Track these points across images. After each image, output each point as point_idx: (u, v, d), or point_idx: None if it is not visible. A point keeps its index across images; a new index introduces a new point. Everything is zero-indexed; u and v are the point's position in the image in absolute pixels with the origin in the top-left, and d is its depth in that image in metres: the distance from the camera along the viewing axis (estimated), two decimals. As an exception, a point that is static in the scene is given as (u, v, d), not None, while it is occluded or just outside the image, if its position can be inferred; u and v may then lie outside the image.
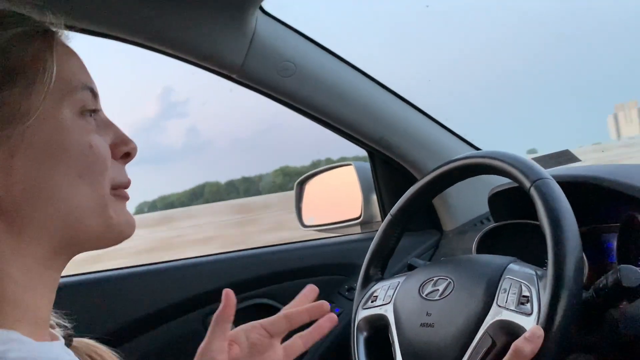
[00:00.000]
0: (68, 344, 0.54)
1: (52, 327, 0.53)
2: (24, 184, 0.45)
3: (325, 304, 0.68)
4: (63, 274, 0.51)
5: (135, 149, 0.53)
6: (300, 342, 0.68)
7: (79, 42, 0.54)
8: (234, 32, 0.98)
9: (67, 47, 0.51)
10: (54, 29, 0.50)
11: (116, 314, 1.07)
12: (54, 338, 0.51)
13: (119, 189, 0.52)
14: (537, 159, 1.16)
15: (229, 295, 0.63)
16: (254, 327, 0.67)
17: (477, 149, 1.32)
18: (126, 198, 0.52)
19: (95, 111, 0.51)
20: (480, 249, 1.07)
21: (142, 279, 1.15)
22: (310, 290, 0.71)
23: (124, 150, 0.53)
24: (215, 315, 0.63)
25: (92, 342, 0.58)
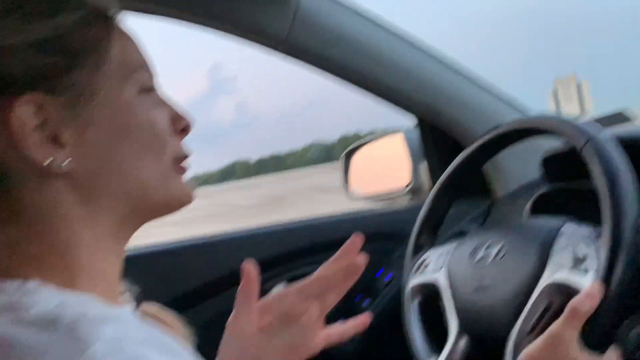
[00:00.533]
0: (135, 309, 0.57)
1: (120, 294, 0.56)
2: (94, 160, 0.48)
3: (359, 262, 0.66)
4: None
5: (191, 124, 0.56)
6: (337, 332, 0.69)
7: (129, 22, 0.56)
8: (278, 5, 0.98)
9: (126, 29, 0.54)
10: (111, 12, 0.52)
11: (174, 284, 1.12)
12: (122, 303, 0.55)
13: (180, 162, 0.54)
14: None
15: (248, 271, 0.64)
16: (286, 294, 0.67)
17: (527, 113, 1.29)
18: (185, 170, 0.55)
19: (153, 90, 0.54)
20: (533, 214, 1.06)
21: (199, 251, 1.20)
22: (353, 242, 0.68)
23: (181, 126, 0.55)
24: (238, 292, 0.64)
25: (156, 308, 0.61)
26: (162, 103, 0.54)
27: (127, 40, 0.53)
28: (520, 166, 1.31)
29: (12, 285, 0.44)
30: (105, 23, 0.51)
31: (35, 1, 0.48)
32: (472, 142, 0.95)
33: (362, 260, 0.65)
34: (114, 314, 0.44)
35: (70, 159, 0.47)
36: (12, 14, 0.46)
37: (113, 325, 0.41)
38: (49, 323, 0.40)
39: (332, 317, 1.23)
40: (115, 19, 0.53)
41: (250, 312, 0.64)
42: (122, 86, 0.50)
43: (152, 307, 0.61)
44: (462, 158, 0.97)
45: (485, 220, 1.32)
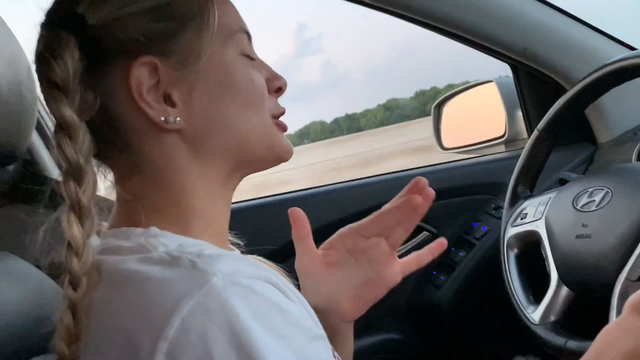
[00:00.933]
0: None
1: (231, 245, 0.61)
2: (202, 116, 0.52)
3: (415, 200, 0.63)
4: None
5: (285, 83, 0.59)
6: (414, 261, 0.69)
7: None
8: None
9: None
10: None
11: (275, 236, 1.17)
12: (231, 249, 0.59)
13: (277, 118, 0.57)
14: None
15: (294, 214, 0.66)
16: (348, 233, 0.67)
17: (634, 49, 1.19)
18: (284, 128, 0.58)
19: (251, 53, 0.56)
20: (641, 159, 0.99)
21: (298, 203, 1.24)
22: (416, 182, 0.65)
23: (276, 85, 0.58)
24: (292, 237, 0.66)
25: (261, 257, 0.65)
26: (259, 64, 0.58)
27: (227, 4, 0.56)
28: (626, 109, 1.22)
29: (137, 231, 0.49)
30: None
31: None
32: (574, 85, 0.90)
33: (418, 199, 0.63)
34: (227, 253, 0.48)
35: (180, 117, 0.51)
36: None
37: (227, 261, 0.45)
38: (172, 260, 0.45)
39: (427, 268, 1.26)
40: None
41: (308, 250, 0.66)
42: (224, 47, 0.53)
43: (255, 256, 0.66)
44: (563, 102, 0.93)
45: (587, 168, 1.26)
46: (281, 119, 0.59)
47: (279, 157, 0.57)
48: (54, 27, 0.49)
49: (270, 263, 0.65)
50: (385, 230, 0.66)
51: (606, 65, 0.86)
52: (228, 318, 0.41)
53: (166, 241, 0.47)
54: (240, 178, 0.58)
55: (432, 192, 0.65)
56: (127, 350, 0.43)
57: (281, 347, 0.42)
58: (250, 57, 0.56)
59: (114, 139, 0.51)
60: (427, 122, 1.63)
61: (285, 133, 0.59)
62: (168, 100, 0.51)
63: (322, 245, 0.68)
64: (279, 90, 0.59)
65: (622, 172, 0.82)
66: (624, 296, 0.69)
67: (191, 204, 0.52)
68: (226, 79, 0.53)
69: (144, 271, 0.45)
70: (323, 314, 0.59)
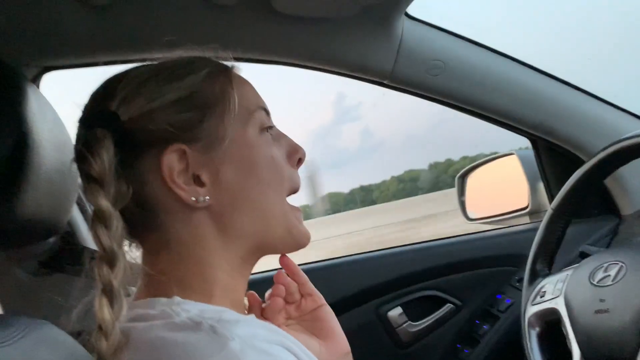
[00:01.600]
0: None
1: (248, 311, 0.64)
2: (228, 195, 0.56)
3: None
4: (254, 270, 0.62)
5: (304, 154, 0.63)
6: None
7: (252, 70, 0.65)
8: (382, 42, 1.04)
9: (241, 77, 0.62)
10: (230, 64, 0.61)
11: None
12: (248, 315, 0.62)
13: (295, 191, 0.61)
14: None
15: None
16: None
17: (652, 124, 1.21)
18: (299, 211, 0.61)
19: (270, 127, 0.61)
20: (663, 232, 0.99)
21: (320, 274, 1.27)
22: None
23: (297, 157, 0.62)
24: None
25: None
26: (279, 138, 0.62)
27: (244, 85, 0.61)
28: (650, 182, 1.23)
29: (162, 300, 0.53)
30: (226, 74, 0.59)
31: (168, 67, 0.58)
32: (587, 161, 0.92)
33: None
34: (245, 318, 0.52)
35: (208, 196, 0.55)
36: (150, 81, 0.56)
37: (245, 326, 0.49)
38: (194, 325, 0.48)
39: (452, 342, 1.24)
40: (232, 68, 0.61)
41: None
42: (245, 127, 0.58)
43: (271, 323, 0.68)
44: (578, 175, 0.94)
45: (611, 241, 1.25)
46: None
47: (298, 242, 0.61)
48: (91, 124, 0.54)
49: (286, 328, 0.67)
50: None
51: (622, 140, 0.88)
52: None
53: (188, 307, 0.51)
54: (259, 257, 0.61)
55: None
56: None
57: None
58: (271, 132, 0.60)
59: (146, 220, 0.56)
60: (441, 196, 1.65)
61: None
62: (197, 181, 0.55)
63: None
64: (300, 162, 0.63)
65: (635, 247, 0.82)
66: (642, 372, 0.68)
67: (214, 275, 0.56)
68: (249, 157, 0.57)
69: (170, 337, 0.48)
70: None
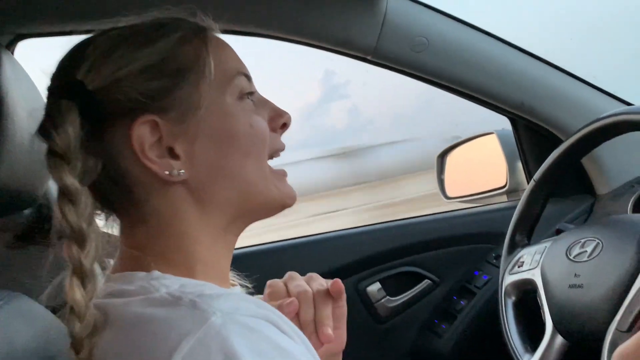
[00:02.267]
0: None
1: (233, 284, 0.63)
2: (205, 166, 0.54)
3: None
4: (242, 245, 0.61)
5: (290, 118, 0.60)
6: None
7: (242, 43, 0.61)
8: (366, 16, 1.03)
9: (219, 40, 0.58)
10: (206, 27, 0.57)
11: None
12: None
13: (279, 170, 0.59)
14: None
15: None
16: None
17: (630, 104, 1.23)
18: (284, 175, 0.60)
19: (252, 93, 0.58)
20: (636, 211, 1.02)
21: (300, 250, 1.27)
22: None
23: (281, 122, 0.60)
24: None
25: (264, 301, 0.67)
26: (261, 104, 0.59)
27: (222, 49, 0.57)
28: (625, 161, 1.25)
29: (140, 275, 0.51)
30: (201, 37, 0.56)
31: (139, 31, 0.54)
32: (569, 137, 0.94)
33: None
34: (227, 292, 0.51)
35: (184, 169, 0.53)
36: (119, 47, 0.53)
37: (227, 300, 0.47)
38: (173, 301, 0.47)
39: (429, 317, 1.26)
40: (210, 32, 0.57)
41: None
42: (222, 95, 0.55)
43: (260, 297, 0.68)
44: (558, 153, 0.95)
45: (587, 220, 1.28)
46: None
47: (282, 204, 0.59)
48: (56, 94, 0.51)
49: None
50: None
51: (598, 120, 0.89)
52: (227, 355, 0.42)
53: (167, 282, 0.49)
54: (244, 225, 0.59)
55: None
56: None
57: None
58: (253, 98, 0.57)
59: (121, 195, 0.53)
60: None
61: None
62: (171, 153, 0.53)
63: None
64: (284, 126, 0.60)
65: (613, 224, 0.84)
66: (613, 347, 0.70)
67: (194, 249, 0.54)
68: (226, 127, 0.54)
69: (147, 313, 0.47)
70: None
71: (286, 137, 0.62)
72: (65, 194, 0.48)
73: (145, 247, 0.54)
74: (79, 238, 0.48)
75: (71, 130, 0.49)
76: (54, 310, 0.61)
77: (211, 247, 0.56)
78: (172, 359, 0.43)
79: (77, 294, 0.46)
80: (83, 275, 0.47)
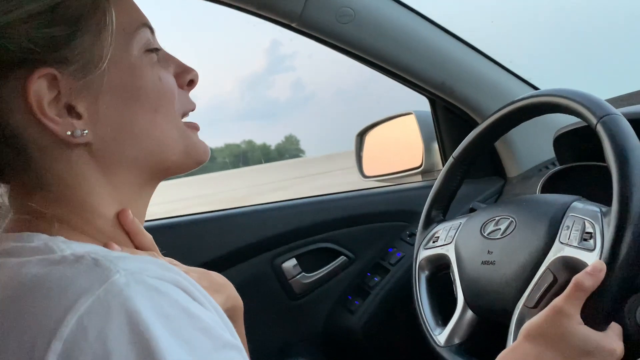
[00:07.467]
0: None
1: None
2: (110, 125, 0.49)
3: None
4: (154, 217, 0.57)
5: (197, 75, 0.57)
6: None
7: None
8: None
9: None
10: None
11: (191, 256, 1.14)
12: None
13: (190, 123, 0.56)
14: (607, 100, 1.12)
15: None
16: None
17: (537, 89, 1.28)
18: (196, 128, 0.56)
19: (157, 49, 0.54)
20: (545, 192, 1.06)
21: (214, 224, 1.22)
22: None
23: (187, 79, 0.56)
24: None
25: (176, 261, 0.63)
26: (166, 59, 0.55)
27: (123, 1, 0.52)
28: (534, 146, 1.31)
29: (43, 236, 0.46)
30: None
31: None
32: (486, 119, 0.95)
33: None
34: (135, 254, 0.46)
35: (87, 129, 0.48)
36: None
37: (134, 261, 0.43)
38: (75, 260, 0.42)
39: (343, 293, 1.26)
40: None
41: None
42: (126, 47, 0.50)
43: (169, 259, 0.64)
44: (476, 133, 0.97)
45: (497, 200, 1.32)
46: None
47: (197, 161, 0.56)
48: None
49: (185, 267, 0.62)
50: None
51: (515, 102, 0.91)
52: (129, 316, 0.38)
53: (75, 246, 0.45)
54: (156, 184, 0.56)
55: None
56: (24, 354, 0.39)
57: (184, 352, 0.39)
58: (158, 54, 0.53)
59: (15, 158, 0.48)
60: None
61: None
62: (72, 112, 0.48)
63: None
64: (191, 83, 0.57)
65: (526, 203, 0.86)
66: (520, 322, 0.72)
67: (101, 216, 0.50)
68: (132, 83, 0.50)
69: (43, 273, 0.42)
70: None
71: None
72: None
73: (43, 215, 0.48)
74: None
75: None
76: None
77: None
78: (66, 319, 0.38)
79: None
80: None
